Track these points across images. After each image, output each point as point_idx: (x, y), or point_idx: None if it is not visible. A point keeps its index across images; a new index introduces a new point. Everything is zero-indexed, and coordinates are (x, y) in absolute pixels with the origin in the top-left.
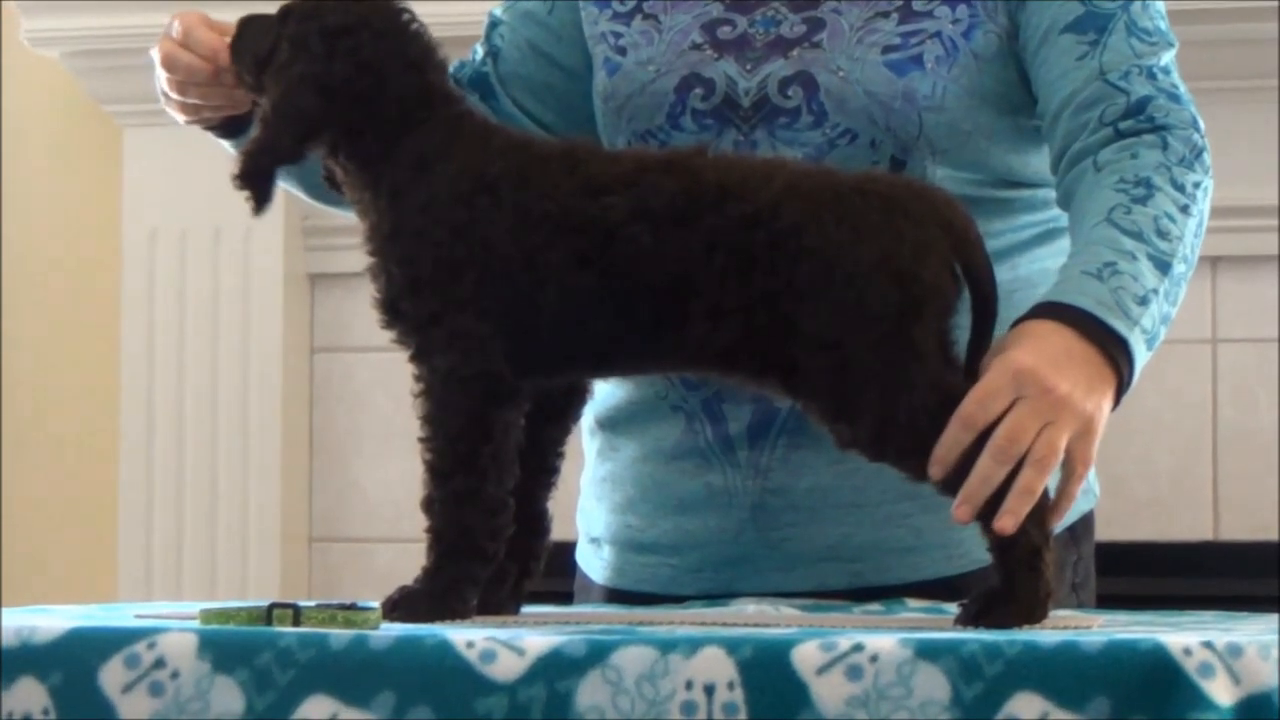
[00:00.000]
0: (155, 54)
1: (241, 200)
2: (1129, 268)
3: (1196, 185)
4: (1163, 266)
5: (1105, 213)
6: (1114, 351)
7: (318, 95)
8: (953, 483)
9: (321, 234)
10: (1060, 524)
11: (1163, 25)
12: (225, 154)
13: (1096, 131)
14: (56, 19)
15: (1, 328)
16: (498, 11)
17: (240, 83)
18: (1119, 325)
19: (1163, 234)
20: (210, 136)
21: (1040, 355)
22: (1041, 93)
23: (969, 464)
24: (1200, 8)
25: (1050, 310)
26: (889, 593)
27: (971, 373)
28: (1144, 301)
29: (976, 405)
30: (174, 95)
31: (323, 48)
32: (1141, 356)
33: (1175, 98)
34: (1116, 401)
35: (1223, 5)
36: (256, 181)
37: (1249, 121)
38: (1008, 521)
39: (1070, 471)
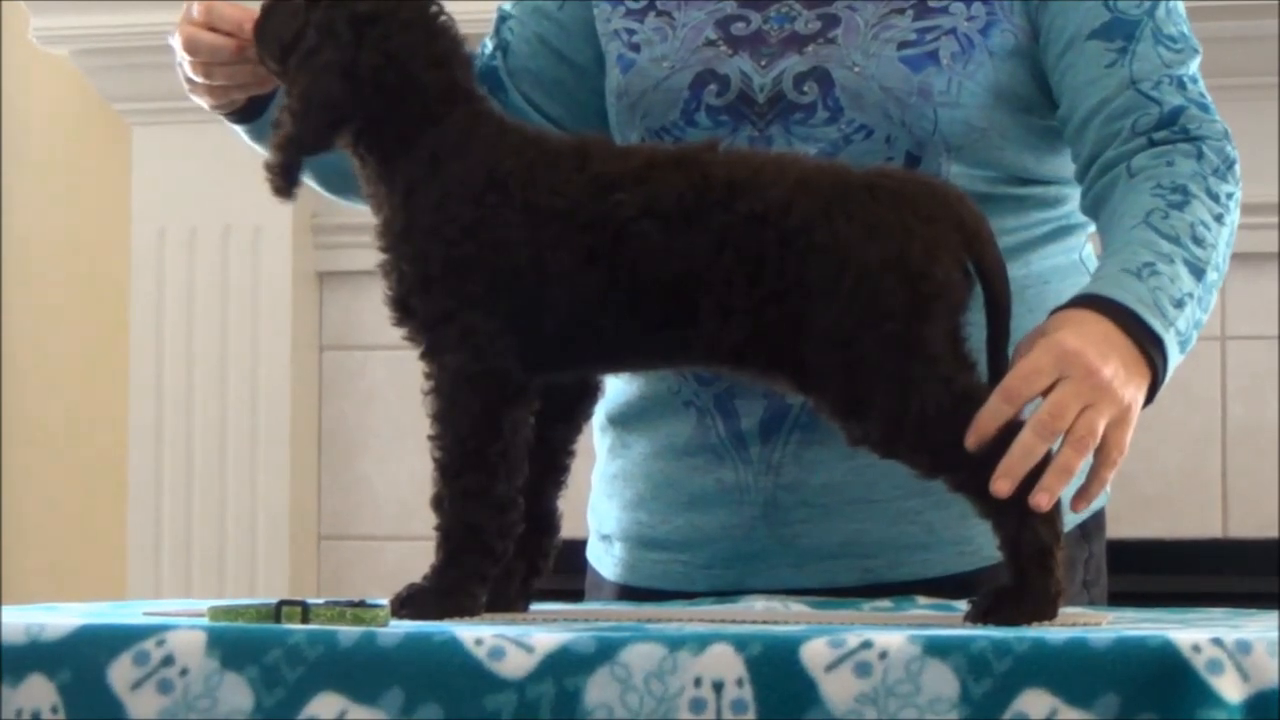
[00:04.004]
0: (175, 40)
1: (250, 197)
2: (1167, 270)
3: (1229, 196)
4: (1197, 273)
5: (1143, 215)
6: (1150, 349)
7: (345, 83)
8: (965, 480)
9: (330, 232)
10: (1083, 513)
11: (1186, 30)
12: (234, 152)
13: (1129, 141)
14: (65, 17)
15: (11, 325)
16: (508, 6)
17: (263, 66)
18: (1156, 324)
19: (1198, 241)
20: (220, 134)
21: (1086, 339)
22: (1066, 97)
23: (980, 456)
24: (1200, 5)
25: (1091, 302)
26: (901, 589)
27: (995, 370)
28: (1180, 305)
29: (1021, 380)
30: (199, 79)
31: (351, 36)
32: (1174, 358)
33: (1205, 108)
34: (1148, 401)
35: (1223, 3)
36: (286, 172)
37: (1252, 118)
38: (1043, 499)
39: (1105, 457)
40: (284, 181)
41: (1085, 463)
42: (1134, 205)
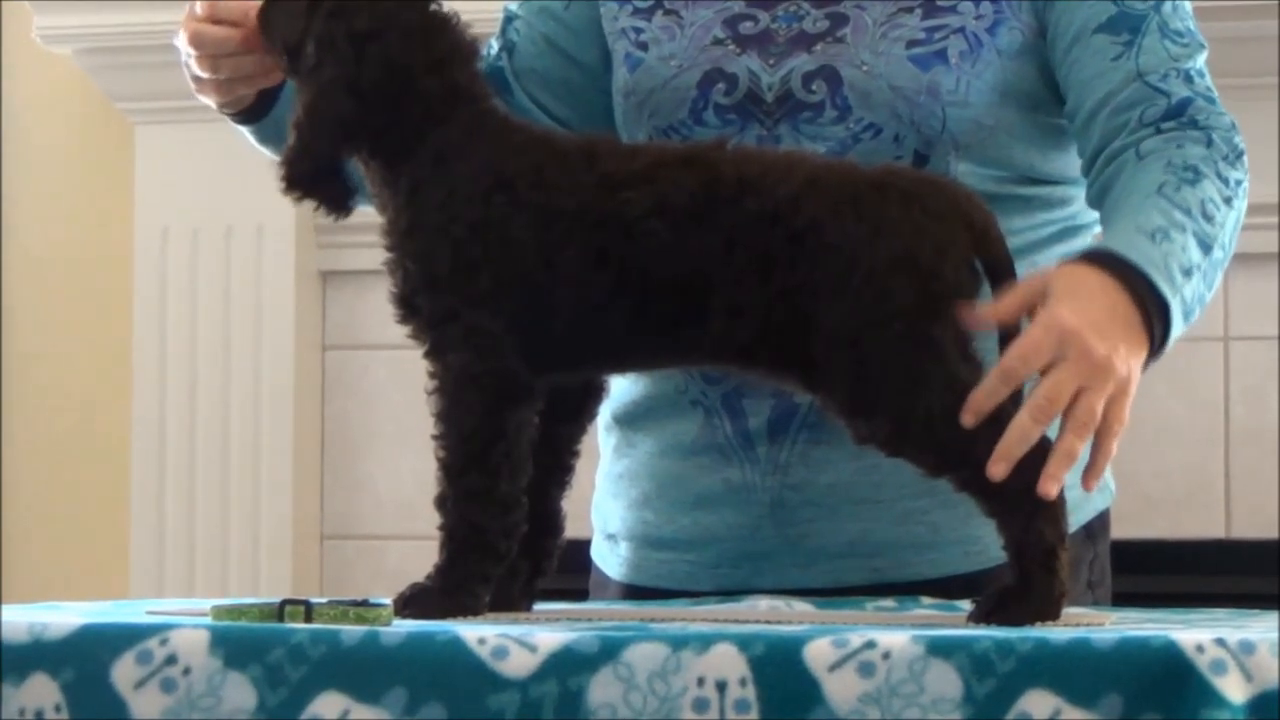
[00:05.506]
0: (180, 38)
1: (253, 197)
2: (1179, 238)
3: (1238, 183)
4: (1205, 247)
5: (1155, 187)
6: (1155, 315)
7: (350, 98)
8: (971, 479)
9: (333, 231)
10: (1088, 514)
11: (1192, 26)
12: (237, 151)
13: (1136, 131)
14: (69, 16)
15: (14, 324)
16: (514, 6)
17: (270, 54)
18: (1165, 289)
19: (1208, 217)
20: (223, 133)
21: (1085, 317)
22: (1073, 92)
23: (982, 449)
24: (1201, 5)
25: (1104, 260)
26: (907, 589)
27: None
28: (1188, 274)
29: (1019, 360)
30: (205, 74)
31: (351, 51)
32: (1178, 327)
33: (1212, 100)
34: (1148, 362)
35: (1223, 4)
36: (311, 187)
37: (1252, 118)
38: (1050, 486)
39: (1106, 429)
40: (315, 195)
41: (1087, 446)
42: (1145, 181)
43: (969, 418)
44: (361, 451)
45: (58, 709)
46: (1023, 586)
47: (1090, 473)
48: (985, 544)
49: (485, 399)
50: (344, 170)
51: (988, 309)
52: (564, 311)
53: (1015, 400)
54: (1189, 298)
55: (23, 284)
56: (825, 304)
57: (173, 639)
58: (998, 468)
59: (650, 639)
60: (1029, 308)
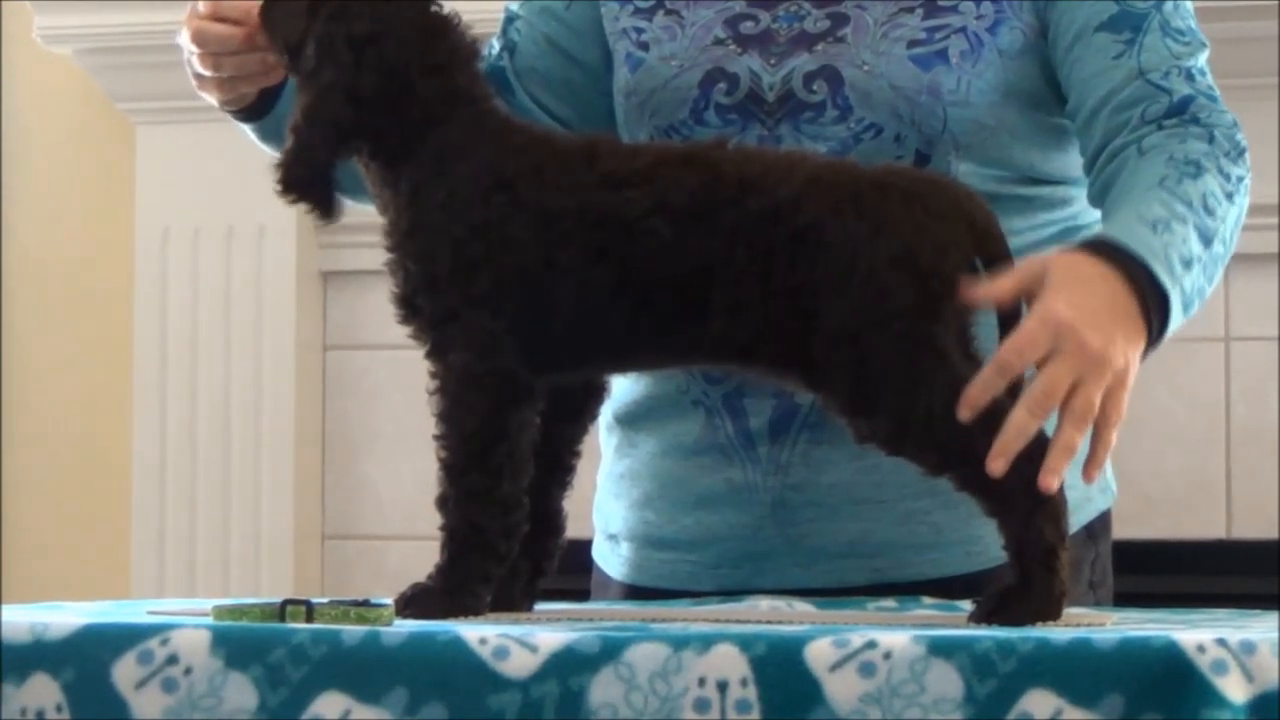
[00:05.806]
0: (182, 36)
1: (254, 197)
2: (1180, 229)
3: (1240, 179)
4: (1205, 240)
5: (1157, 180)
6: (1153, 305)
7: (348, 103)
8: (971, 477)
9: (334, 231)
10: (1089, 514)
11: (1193, 24)
12: (238, 151)
13: (1138, 128)
14: (69, 16)
15: (14, 324)
16: (515, 6)
17: (272, 52)
18: (1165, 279)
19: (1209, 210)
20: (225, 133)
21: (1081, 309)
22: (1075, 91)
23: (982, 446)
24: (1200, 5)
25: (1104, 249)
26: (908, 589)
27: None
28: (1188, 265)
29: (1014, 353)
30: (207, 72)
31: (350, 56)
32: (1176, 318)
33: (1214, 98)
34: (1147, 350)
35: (1223, 4)
36: (306, 190)
37: (1253, 119)
38: (1050, 480)
39: (1104, 420)
40: (308, 198)
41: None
42: (1146, 174)
43: (965, 411)
44: (362, 452)
45: (59, 709)
46: (1023, 586)
47: (1090, 464)
48: (986, 544)
49: (486, 399)
50: (334, 177)
51: (984, 287)
52: (565, 311)
53: (1014, 397)
54: (1189, 289)
55: (23, 284)
56: (826, 303)
57: (174, 639)
58: (996, 463)
59: (651, 639)
60: (1025, 291)
